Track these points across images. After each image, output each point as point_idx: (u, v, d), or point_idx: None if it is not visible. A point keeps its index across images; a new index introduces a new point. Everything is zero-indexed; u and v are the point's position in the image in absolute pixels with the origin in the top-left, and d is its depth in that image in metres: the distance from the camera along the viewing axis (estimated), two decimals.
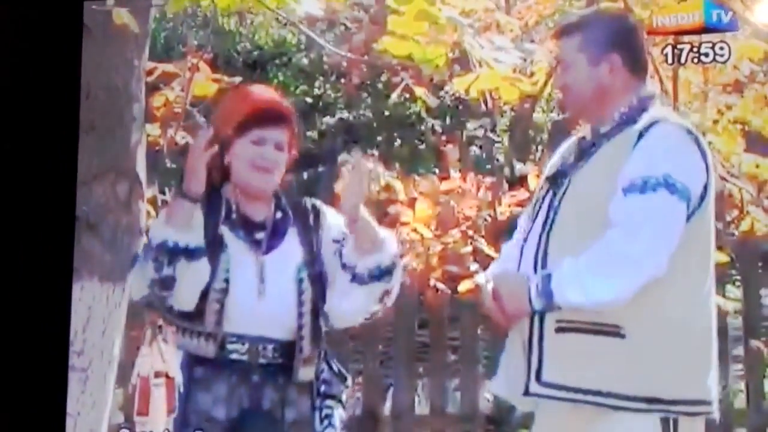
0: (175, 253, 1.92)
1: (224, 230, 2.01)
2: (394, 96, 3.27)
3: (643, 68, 1.99)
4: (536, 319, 1.88)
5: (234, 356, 1.97)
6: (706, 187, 1.87)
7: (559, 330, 1.86)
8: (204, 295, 1.96)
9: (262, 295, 1.98)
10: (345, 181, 2.01)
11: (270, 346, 1.98)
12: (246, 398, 1.97)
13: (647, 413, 1.82)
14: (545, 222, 1.92)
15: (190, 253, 1.94)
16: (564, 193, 1.92)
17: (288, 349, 1.99)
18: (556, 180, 1.97)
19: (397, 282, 2.04)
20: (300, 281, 2.00)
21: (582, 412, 1.85)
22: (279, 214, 2.05)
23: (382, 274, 2.00)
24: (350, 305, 2.02)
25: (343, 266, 2.01)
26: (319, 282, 2.03)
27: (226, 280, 1.97)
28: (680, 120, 1.98)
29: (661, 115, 1.93)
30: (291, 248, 2.03)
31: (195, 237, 1.95)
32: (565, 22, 2.09)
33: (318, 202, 2.11)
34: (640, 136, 1.88)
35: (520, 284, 1.89)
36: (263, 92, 2.14)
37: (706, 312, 1.89)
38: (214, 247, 1.98)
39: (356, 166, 1.96)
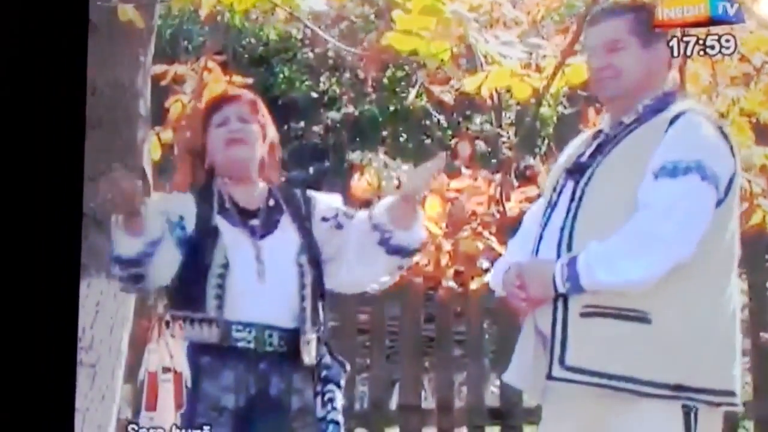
0: (128, 263, 2.03)
1: (219, 220, 2.07)
2: (411, 95, 3.28)
3: (671, 63, 2.02)
4: (560, 304, 1.88)
5: (241, 344, 1.99)
6: (732, 179, 1.89)
7: (583, 314, 1.86)
8: (204, 280, 2.01)
9: (262, 277, 2.01)
10: (425, 166, 2.08)
11: (276, 334, 2.01)
12: (253, 386, 1.99)
13: (669, 402, 1.82)
14: (568, 211, 1.92)
15: (142, 258, 2.01)
16: (587, 183, 1.92)
17: (292, 337, 2.02)
18: (576, 171, 1.96)
19: (409, 262, 2.14)
20: (300, 265, 2.04)
21: (598, 400, 1.85)
22: (272, 202, 2.10)
23: (407, 252, 2.08)
24: (367, 268, 2.08)
25: (374, 227, 2.07)
26: (317, 267, 2.07)
27: (225, 265, 2.01)
28: (709, 112, 2.01)
29: (690, 106, 1.95)
30: (286, 234, 2.08)
31: (142, 243, 2.00)
32: (610, 4, 2.11)
33: (310, 191, 2.16)
34: (671, 123, 1.89)
35: (545, 268, 1.89)
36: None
37: (731, 301, 1.89)
38: (208, 237, 2.04)
39: (439, 161, 2.06)
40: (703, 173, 1.83)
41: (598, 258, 1.84)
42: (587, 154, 1.98)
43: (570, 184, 1.95)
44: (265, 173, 2.13)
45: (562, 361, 1.85)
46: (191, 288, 2.02)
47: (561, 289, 1.86)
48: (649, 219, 1.83)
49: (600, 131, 2.00)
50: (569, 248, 1.88)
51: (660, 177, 1.84)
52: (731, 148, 1.90)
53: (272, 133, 2.16)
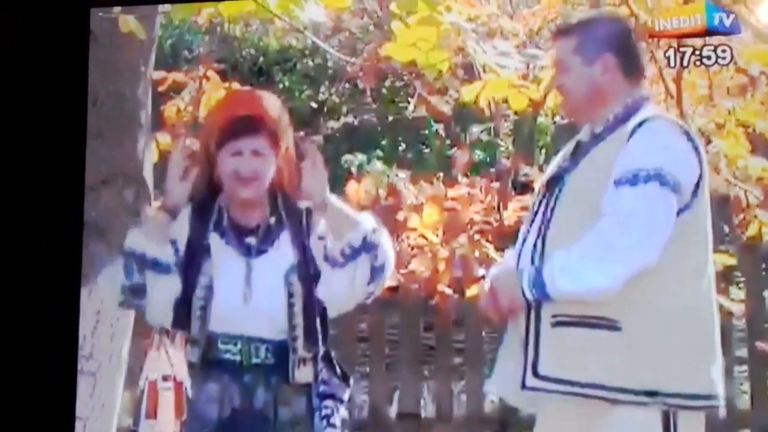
0: (143, 261, 2.00)
1: (213, 237, 2.04)
2: (410, 107, 3.30)
3: (638, 72, 2.03)
4: (533, 313, 1.90)
5: (227, 356, 1.99)
6: (698, 182, 1.90)
7: (555, 324, 1.88)
8: (188, 304, 2.00)
9: (247, 299, 2.00)
10: (304, 174, 2.03)
11: (263, 347, 2.00)
12: (237, 398, 1.99)
13: (646, 407, 1.83)
14: (542, 223, 1.95)
15: (158, 267, 2.00)
16: (559, 195, 1.95)
17: (281, 350, 2.00)
18: (552, 183, 2.00)
19: (383, 256, 2.03)
20: (290, 283, 2.01)
21: (582, 408, 1.87)
22: (273, 219, 2.07)
23: (355, 253, 2.01)
24: (333, 289, 2.03)
25: (324, 252, 2.03)
26: (312, 284, 2.04)
27: (208, 287, 1.99)
28: (672, 117, 2.02)
29: (652, 113, 1.97)
30: (282, 251, 2.05)
31: (164, 252, 2.01)
32: (561, 24, 2.14)
33: (312, 204, 2.12)
34: (633, 132, 1.91)
35: (513, 278, 1.92)
36: (239, 101, 2.16)
37: (705, 306, 1.90)
38: (199, 255, 2.02)
39: (309, 155, 2.00)
40: (663, 180, 1.85)
41: (561, 268, 1.86)
42: (564, 164, 2.00)
43: (546, 198, 1.98)
44: (284, 187, 2.09)
45: (535, 371, 1.87)
46: (180, 308, 2.01)
47: (530, 298, 1.88)
48: (609, 228, 1.85)
49: (580, 141, 2.03)
50: (542, 258, 1.91)
51: (620, 185, 1.87)
52: (698, 153, 1.91)
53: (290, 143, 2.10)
